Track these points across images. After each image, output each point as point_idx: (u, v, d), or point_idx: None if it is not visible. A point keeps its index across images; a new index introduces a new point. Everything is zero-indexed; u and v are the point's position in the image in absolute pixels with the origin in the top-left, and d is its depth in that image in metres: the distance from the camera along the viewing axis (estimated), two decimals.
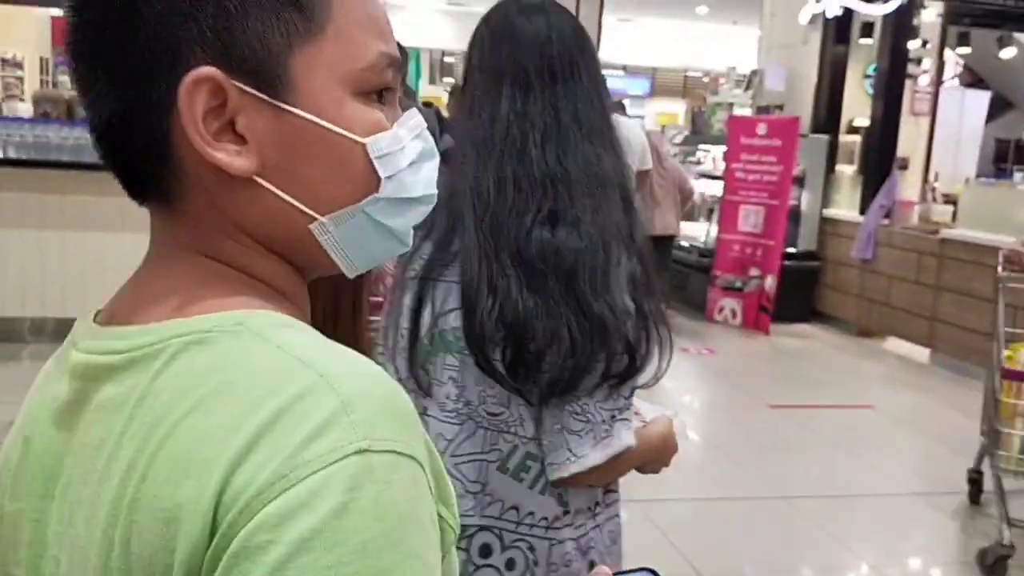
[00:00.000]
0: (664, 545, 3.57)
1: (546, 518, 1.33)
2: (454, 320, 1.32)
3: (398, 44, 1.72)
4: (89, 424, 0.63)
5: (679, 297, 8.06)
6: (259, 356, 0.58)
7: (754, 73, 8.81)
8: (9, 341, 5.43)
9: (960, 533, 4.05)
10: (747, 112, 8.42)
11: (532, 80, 1.31)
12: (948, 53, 8.79)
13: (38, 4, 8.07)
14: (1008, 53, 8.53)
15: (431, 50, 20.67)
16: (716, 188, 7.95)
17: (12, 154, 5.49)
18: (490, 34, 1.35)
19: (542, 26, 1.33)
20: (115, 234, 5.20)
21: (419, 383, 1.36)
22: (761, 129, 7.39)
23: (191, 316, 0.61)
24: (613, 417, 1.27)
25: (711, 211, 8.14)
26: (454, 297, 1.32)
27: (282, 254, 0.67)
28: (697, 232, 8.18)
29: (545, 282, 1.24)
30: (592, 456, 1.26)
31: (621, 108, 7.42)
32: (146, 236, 0.68)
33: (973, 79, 12.11)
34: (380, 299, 1.87)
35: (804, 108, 8.05)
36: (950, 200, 8.61)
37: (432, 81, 20.93)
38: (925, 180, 8.58)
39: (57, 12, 8.11)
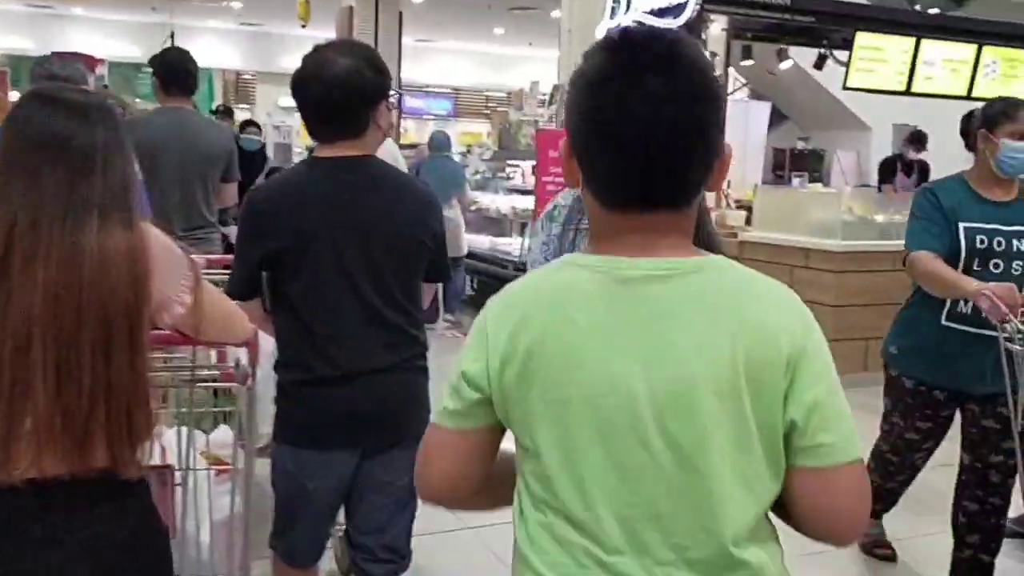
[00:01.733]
0: None
1: None
2: None
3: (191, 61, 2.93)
4: (644, 303, 1.12)
5: None
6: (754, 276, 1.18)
7: (556, 88, 8.87)
8: None
9: None
10: (553, 128, 8.46)
11: None
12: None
13: None
14: (786, 65, 9.03)
15: (224, 70, 19.76)
16: (528, 202, 7.90)
17: None
18: None
19: None
20: None
21: None
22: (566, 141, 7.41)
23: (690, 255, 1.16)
24: None
25: (523, 225, 8.10)
26: None
27: None
28: (511, 248, 8.12)
29: None
30: None
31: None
32: None
33: (752, 93, 12.88)
34: (166, 332, 1.58)
35: None
36: (742, 206, 9.04)
37: (228, 103, 19.97)
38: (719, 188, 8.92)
39: None
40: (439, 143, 7.94)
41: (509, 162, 8.80)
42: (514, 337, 1.15)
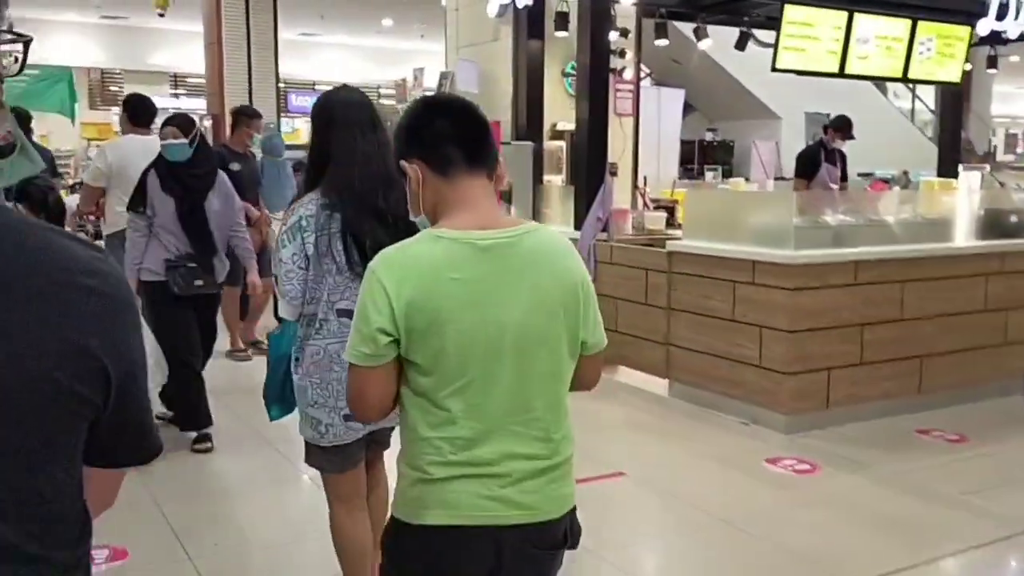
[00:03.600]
0: None
1: None
2: None
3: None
4: (499, 261, 1.59)
5: None
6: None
7: (444, 76, 7.46)
8: None
9: None
10: None
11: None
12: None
13: None
14: (706, 44, 7.85)
15: (89, 69, 17.61)
16: None
17: None
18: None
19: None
20: None
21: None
22: None
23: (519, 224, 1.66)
24: None
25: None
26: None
27: None
28: None
29: None
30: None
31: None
32: None
33: (656, 83, 11.66)
34: None
35: (502, 113, 6.81)
36: (661, 205, 7.79)
37: (93, 105, 17.85)
38: (635, 186, 7.69)
39: None
40: (271, 147, 7.08)
41: None
42: (407, 293, 1.55)
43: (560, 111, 7.12)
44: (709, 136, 14.05)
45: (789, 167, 11.00)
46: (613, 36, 6.62)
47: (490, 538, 1.60)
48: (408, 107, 1.72)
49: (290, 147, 12.11)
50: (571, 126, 7.05)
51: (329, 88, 2.77)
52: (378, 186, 2.41)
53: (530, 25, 6.72)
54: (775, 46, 7.04)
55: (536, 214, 6.69)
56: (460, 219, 1.60)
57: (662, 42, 7.62)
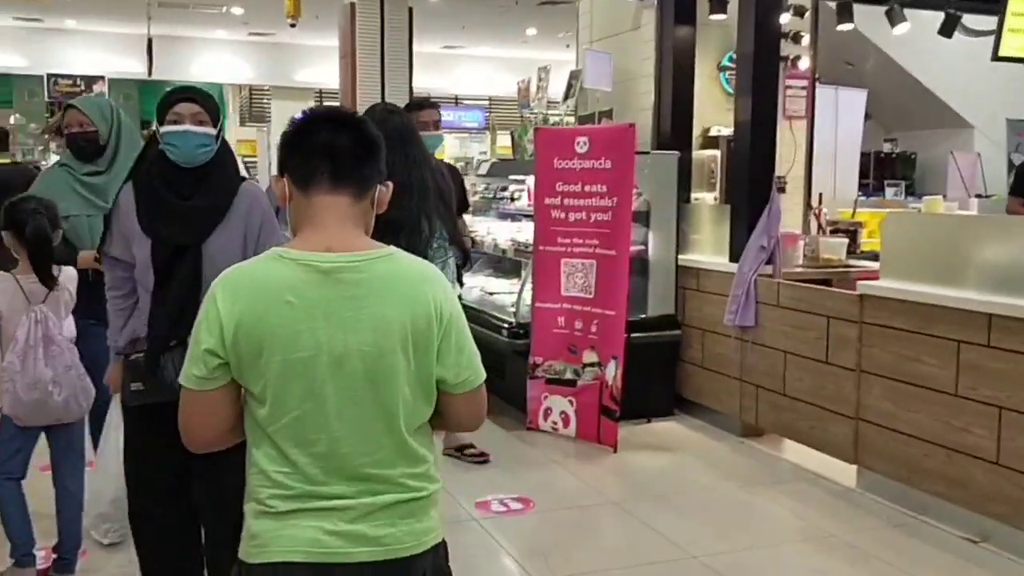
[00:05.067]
0: None
1: None
2: None
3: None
4: (341, 287, 1.45)
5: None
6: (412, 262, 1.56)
7: (574, 76, 6.20)
8: None
9: None
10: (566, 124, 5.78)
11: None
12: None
13: None
14: (902, 29, 6.23)
15: (240, 86, 17.50)
16: (530, 235, 5.22)
17: None
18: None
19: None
20: None
21: None
22: (581, 144, 4.72)
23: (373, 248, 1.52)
24: None
25: (519, 266, 5.42)
26: None
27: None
28: (507, 301, 5.43)
29: None
30: None
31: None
32: None
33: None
34: None
35: (641, 116, 5.47)
36: (839, 229, 6.20)
37: (243, 122, 17.73)
38: (808, 205, 6.14)
39: None
40: None
41: (513, 177, 6.12)
42: (238, 314, 1.43)
43: (714, 113, 5.72)
44: (887, 147, 12.10)
45: (992, 184, 9.06)
46: (784, 18, 5.16)
47: None
48: (291, 120, 1.58)
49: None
50: (728, 131, 5.63)
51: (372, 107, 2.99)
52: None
53: (678, 8, 5.36)
54: (997, 31, 5.37)
55: (680, 240, 5.30)
56: (308, 239, 1.50)
57: (846, 27, 6.06)
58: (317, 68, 16.35)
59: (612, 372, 4.64)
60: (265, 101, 17.44)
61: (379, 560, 1.46)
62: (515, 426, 4.99)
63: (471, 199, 6.80)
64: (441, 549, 1.57)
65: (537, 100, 6.42)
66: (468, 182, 6.72)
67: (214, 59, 16.30)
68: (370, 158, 1.53)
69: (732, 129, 5.38)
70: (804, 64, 5.58)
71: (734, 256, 4.90)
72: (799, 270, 5.05)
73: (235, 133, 17.30)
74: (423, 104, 4.44)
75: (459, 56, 17.26)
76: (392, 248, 1.52)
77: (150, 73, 14.09)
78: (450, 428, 1.65)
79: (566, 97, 6.21)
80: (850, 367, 4.11)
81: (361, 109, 10.54)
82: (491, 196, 6.57)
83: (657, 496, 4.07)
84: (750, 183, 4.80)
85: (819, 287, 4.48)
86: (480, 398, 1.59)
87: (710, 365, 5.10)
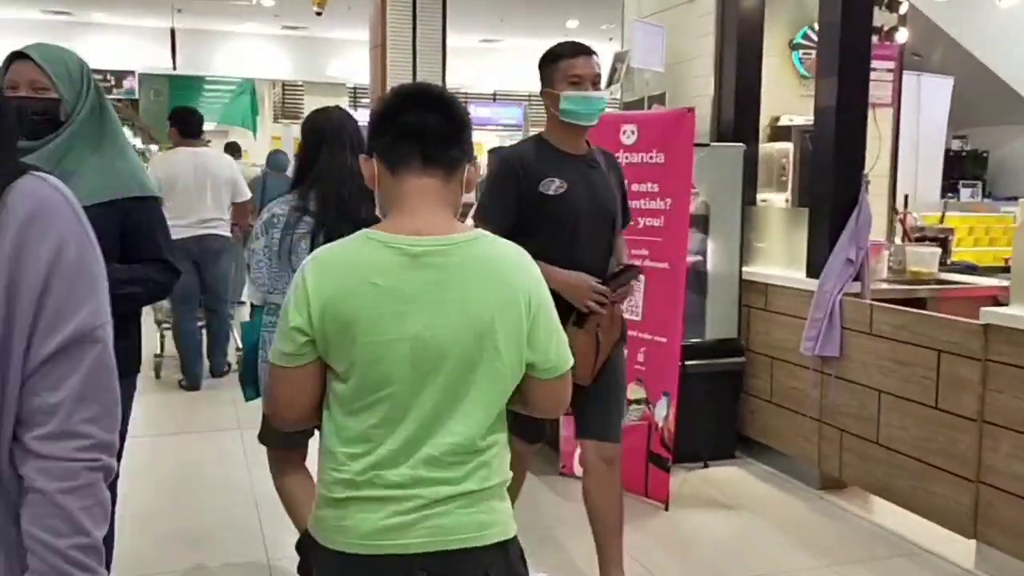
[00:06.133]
0: None
1: None
2: None
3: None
4: (429, 271, 1.42)
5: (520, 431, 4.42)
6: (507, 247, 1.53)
7: (618, 58, 5.32)
8: None
9: None
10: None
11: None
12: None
13: None
14: (1009, 2, 5.27)
15: (272, 81, 16.85)
16: None
17: None
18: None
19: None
20: None
21: None
22: (628, 134, 3.84)
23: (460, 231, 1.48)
24: None
25: None
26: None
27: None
28: None
29: None
30: None
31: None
32: None
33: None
34: None
35: (698, 102, 4.57)
36: (924, 236, 5.25)
37: (276, 119, 17.08)
38: (893, 208, 5.19)
39: None
40: (276, 163, 7.72)
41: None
42: (326, 293, 1.42)
43: (785, 100, 4.81)
44: (956, 144, 11.02)
45: None
46: None
47: (395, 569, 1.44)
48: (379, 100, 1.60)
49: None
50: (801, 120, 4.71)
51: (326, 108, 2.84)
52: (364, 199, 2.30)
53: None
54: None
55: (744, 250, 4.39)
56: (397, 222, 1.47)
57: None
58: (350, 61, 15.65)
59: (663, 412, 3.76)
60: (299, 97, 16.74)
61: (438, 551, 1.43)
62: (547, 470, 4.14)
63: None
64: (514, 549, 1.53)
65: None
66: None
67: (245, 53, 15.65)
68: (459, 138, 1.50)
69: (808, 118, 4.47)
70: (901, 37, 4.63)
71: (812, 271, 3.99)
72: (884, 286, 4.13)
73: (269, 130, 16.70)
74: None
75: (496, 50, 16.43)
76: (481, 231, 1.51)
77: (175, 66, 13.48)
78: (533, 413, 1.61)
79: (610, 83, 5.32)
80: (969, 416, 3.19)
81: None
82: None
83: (714, 564, 3.19)
84: (835, 182, 3.88)
85: (927, 313, 3.56)
86: (565, 385, 1.57)
87: (781, 401, 4.19)
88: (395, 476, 1.41)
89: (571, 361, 1.54)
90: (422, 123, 1.44)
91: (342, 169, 2.58)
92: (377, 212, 1.54)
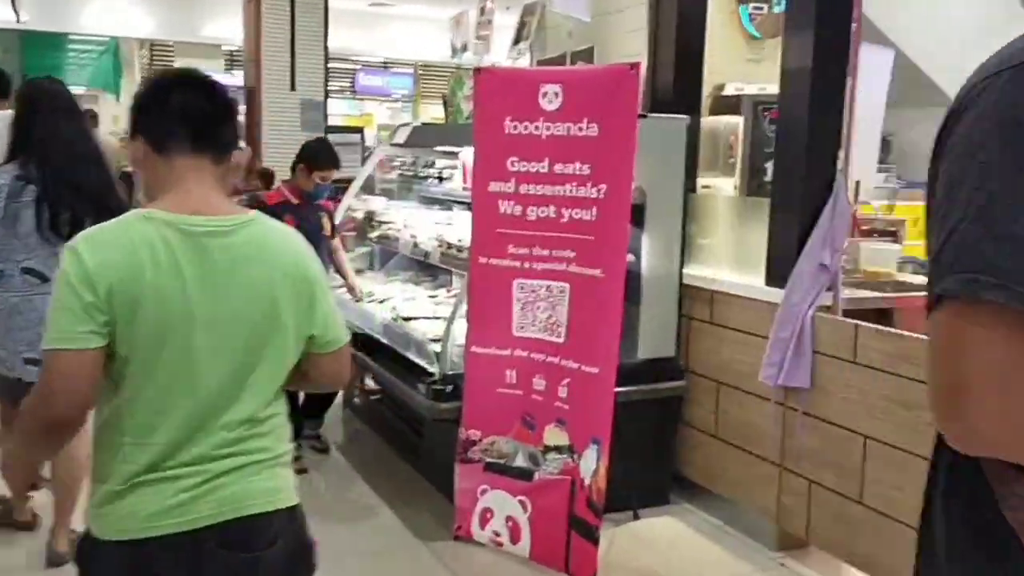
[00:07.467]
0: None
1: None
2: None
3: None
4: (211, 251, 1.39)
5: (395, 484, 3.41)
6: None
7: (528, 12, 4.33)
8: None
9: None
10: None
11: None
12: None
13: None
14: None
15: (140, 40, 15.08)
16: (465, 233, 3.32)
17: None
18: None
19: None
20: None
21: None
22: (550, 96, 2.85)
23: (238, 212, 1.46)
24: None
25: (451, 278, 3.55)
26: None
27: None
28: (427, 327, 3.54)
29: None
30: None
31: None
32: None
33: None
34: None
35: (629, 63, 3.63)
36: (872, 230, 4.52)
37: (142, 77, 15.31)
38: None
39: None
40: None
41: (443, 148, 4.22)
42: (109, 272, 1.34)
43: (732, 65, 3.94)
44: None
45: None
46: None
47: (184, 546, 1.39)
48: (145, 81, 1.57)
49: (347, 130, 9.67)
50: (750, 89, 3.84)
51: (38, 78, 2.92)
52: (84, 165, 2.65)
53: None
54: None
55: (686, 245, 3.50)
56: (173, 202, 1.43)
57: None
58: (227, 22, 14.09)
59: (591, 464, 2.82)
60: (169, 59, 15.04)
61: (225, 520, 1.40)
62: (436, 531, 3.17)
63: (384, 174, 4.93)
64: (301, 514, 1.53)
65: (478, 44, 4.50)
66: (382, 153, 4.84)
67: (108, 8, 13.87)
68: (227, 120, 1.51)
69: (760, 86, 3.60)
70: None
71: (775, 277, 3.13)
72: (846, 293, 3.32)
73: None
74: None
75: (388, 15, 15.17)
76: (254, 212, 1.50)
77: (18, 19, 11.72)
78: (315, 386, 1.71)
79: (517, 40, 4.35)
80: None
81: (269, 66, 8.95)
82: (411, 174, 4.69)
83: None
84: (806, 167, 3.03)
85: (903, 333, 2.74)
86: (345, 357, 1.59)
87: (729, 437, 3.33)
88: (183, 455, 1.39)
89: (348, 336, 1.59)
90: (190, 105, 1.45)
91: (55, 137, 2.65)
92: (141, 194, 1.52)
